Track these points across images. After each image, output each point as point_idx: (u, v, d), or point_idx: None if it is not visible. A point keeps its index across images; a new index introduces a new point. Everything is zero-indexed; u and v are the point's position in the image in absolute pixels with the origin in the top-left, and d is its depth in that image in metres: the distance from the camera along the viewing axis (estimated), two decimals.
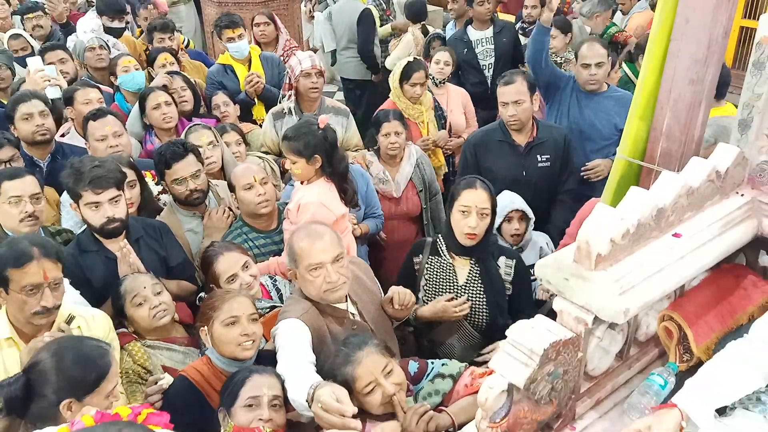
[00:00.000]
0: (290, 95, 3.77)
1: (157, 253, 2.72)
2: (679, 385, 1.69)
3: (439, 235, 2.69)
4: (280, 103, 3.91)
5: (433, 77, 4.22)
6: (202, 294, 2.68)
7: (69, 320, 2.16)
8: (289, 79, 3.76)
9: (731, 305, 1.84)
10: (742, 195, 1.96)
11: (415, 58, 4.04)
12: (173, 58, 4.50)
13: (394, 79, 3.98)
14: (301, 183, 2.88)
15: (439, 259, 2.65)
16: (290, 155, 2.79)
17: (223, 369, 2.14)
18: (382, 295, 2.48)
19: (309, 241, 2.17)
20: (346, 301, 2.29)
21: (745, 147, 2.00)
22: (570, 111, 3.68)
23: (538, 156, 3.24)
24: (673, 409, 1.53)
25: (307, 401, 1.75)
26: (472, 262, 2.61)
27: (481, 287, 2.60)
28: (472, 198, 2.49)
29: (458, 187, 2.57)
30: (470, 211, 2.48)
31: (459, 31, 5.15)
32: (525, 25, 5.55)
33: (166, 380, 2.16)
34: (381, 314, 2.40)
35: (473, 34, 5.05)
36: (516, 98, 3.16)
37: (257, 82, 4.26)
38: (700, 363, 1.74)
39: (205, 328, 2.18)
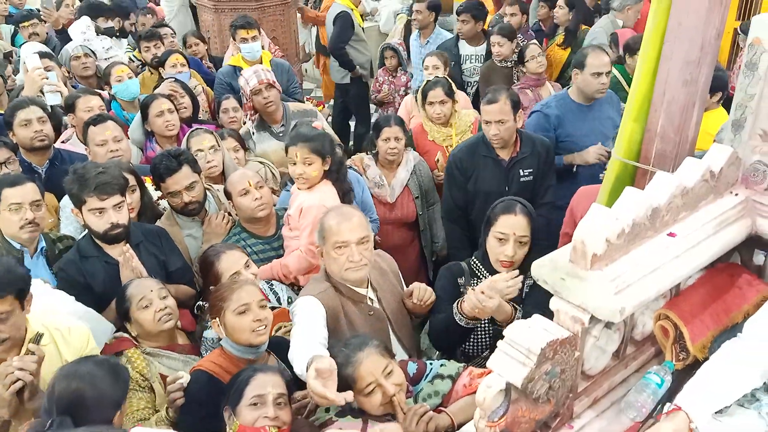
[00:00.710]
0: (250, 114, 3.80)
1: (156, 257, 2.74)
2: (675, 383, 1.72)
3: (473, 258, 2.56)
4: (244, 123, 3.94)
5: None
6: (202, 303, 2.70)
7: (36, 339, 2.05)
8: (246, 99, 3.79)
9: (726, 304, 1.86)
10: (736, 194, 1.98)
11: (436, 76, 3.94)
12: (184, 59, 4.54)
13: (419, 103, 3.90)
14: (308, 188, 2.89)
15: (479, 281, 2.46)
16: (309, 155, 2.82)
17: (239, 357, 2.20)
18: None
19: (338, 220, 2.28)
20: (367, 287, 2.34)
21: (738, 147, 2.02)
22: (575, 132, 3.61)
23: (521, 171, 3.20)
24: (679, 412, 1.54)
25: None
26: None
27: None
28: (510, 224, 2.35)
29: (495, 210, 2.42)
30: (507, 239, 2.35)
31: (451, 41, 5.06)
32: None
33: (186, 378, 2.19)
34: (401, 309, 2.46)
35: (464, 48, 4.96)
36: (499, 118, 3.10)
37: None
38: (696, 361, 1.76)
39: (217, 319, 2.23)
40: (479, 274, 2.51)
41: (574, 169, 3.58)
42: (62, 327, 2.22)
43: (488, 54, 4.85)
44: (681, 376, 1.71)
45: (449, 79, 3.88)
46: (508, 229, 2.34)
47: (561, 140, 3.62)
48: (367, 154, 3.64)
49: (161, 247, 2.79)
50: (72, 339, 2.21)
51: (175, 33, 5.51)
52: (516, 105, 3.17)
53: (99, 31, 5.34)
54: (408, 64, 5.64)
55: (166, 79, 4.20)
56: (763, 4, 5.93)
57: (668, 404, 1.66)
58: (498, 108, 3.10)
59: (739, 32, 5.20)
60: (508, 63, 4.73)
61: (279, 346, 2.27)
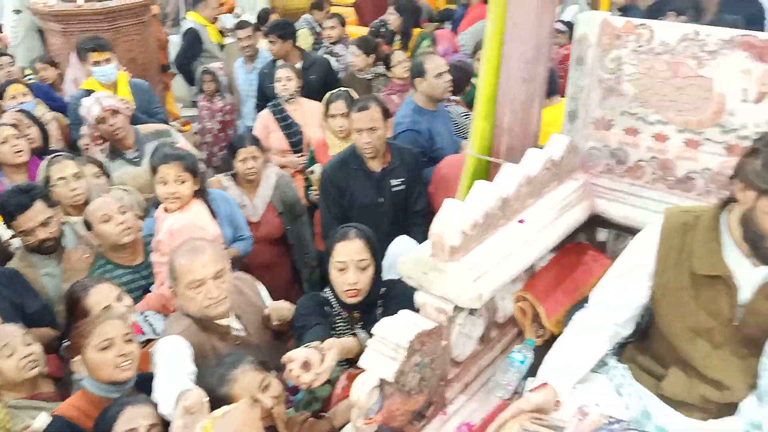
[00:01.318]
0: (98, 144, 3.66)
1: (11, 301, 2.55)
2: (537, 358, 1.83)
3: (327, 289, 2.40)
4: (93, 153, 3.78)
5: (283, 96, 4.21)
6: (69, 344, 2.54)
7: None
8: (92, 129, 3.64)
9: (575, 280, 2.01)
10: (576, 179, 2.15)
11: (341, 89, 3.88)
12: (25, 88, 4.25)
13: (323, 115, 3.81)
14: (178, 208, 2.80)
15: (339, 316, 2.34)
16: (182, 173, 2.72)
17: (103, 396, 2.06)
18: None
19: (189, 258, 2.16)
20: (230, 317, 2.27)
21: (575, 136, 2.20)
22: (438, 138, 3.69)
23: (393, 180, 3.20)
24: (546, 386, 1.64)
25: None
26: (358, 313, 2.33)
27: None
28: (347, 250, 2.24)
29: (332, 240, 2.32)
30: (347, 266, 2.22)
31: (268, 65, 4.98)
32: (329, 46, 5.67)
33: (43, 419, 2.04)
34: (266, 329, 2.40)
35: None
36: (371, 125, 3.09)
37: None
38: (553, 336, 1.89)
39: (79, 358, 2.09)
40: (336, 308, 2.36)
41: None
42: None
43: (304, 71, 4.76)
44: (542, 351, 1.82)
45: (351, 93, 3.85)
46: (346, 256, 2.23)
47: (433, 151, 3.68)
48: (225, 175, 3.56)
49: (15, 289, 2.59)
50: None
51: (13, 61, 5.17)
52: (386, 113, 3.21)
53: None
54: (233, 89, 5.55)
55: (6, 111, 3.92)
56: (602, 2, 6.44)
57: (531, 378, 1.78)
58: (369, 115, 3.09)
59: (559, 31, 5.56)
60: (367, 75, 4.83)
61: (149, 383, 2.16)
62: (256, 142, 3.48)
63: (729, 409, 1.65)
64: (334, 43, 5.60)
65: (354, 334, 2.14)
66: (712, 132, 1.91)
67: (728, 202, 1.58)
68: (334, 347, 1.87)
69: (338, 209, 3.24)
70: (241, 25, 5.37)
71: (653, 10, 5.03)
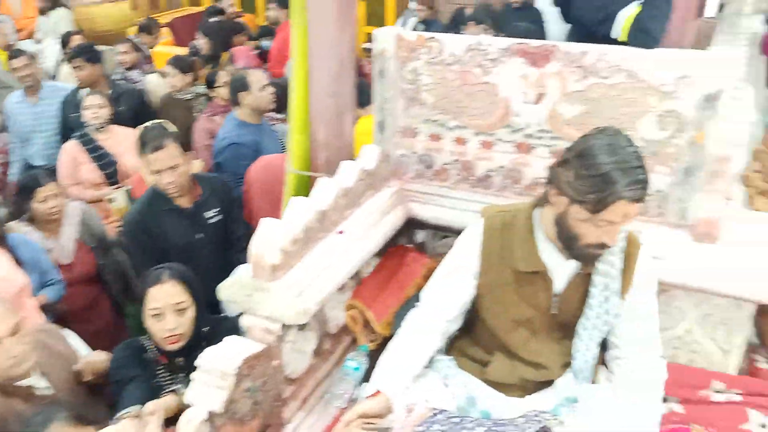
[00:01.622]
0: None
1: None
2: (374, 361, 1.87)
3: (145, 338, 2.18)
4: None
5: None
6: None
7: None
8: None
9: (399, 282, 2.10)
10: (390, 187, 2.25)
11: (155, 122, 3.61)
12: None
13: (138, 150, 3.42)
14: None
15: (159, 367, 2.15)
16: None
17: None
18: None
19: None
20: (32, 375, 2.05)
21: (385, 145, 2.30)
22: (263, 152, 3.64)
23: (208, 213, 3.01)
24: (379, 395, 1.64)
25: None
26: (181, 360, 2.13)
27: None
28: (162, 295, 2.06)
29: (144, 286, 2.11)
30: (164, 312, 2.05)
31: (71, 93, 4.64)
32: (123, 72, 5.38)
33: None
34: (78, 383, 2.20)
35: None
36: (170, 164, 2.86)
37: None
38: (385, 338, 1.96)
39: None
40: (155, 356, 2.18)
41: None
42: None
43: (114, 101, 4.35)
44: (377, 355, 1.84)
45: (165, 126, 3.62)
46: (161, 301, 2.04)
47: None
48: (18, 221, 3.22)
49: None
50: None
51: None
52: (183, 147, 3.06)
53: None
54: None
55: None
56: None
57: (364, 383, 1.82)
58: (167, 154, 2.86)
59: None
60: (187, 95, 4.69)
61: None
62: (54, 177, 3.22)
63: (545, 386, 1.80)
64: (129, 69, 5.25)
65: (173, 391, 2.00)
66: (502, 133, 2.10)
67: (540, 201, 1.69)
68: (156, 413, 1.74)
69: (153, 259, 2.96)
70: (15, 54, 4.68)
71: (455, 22, 5.38)
